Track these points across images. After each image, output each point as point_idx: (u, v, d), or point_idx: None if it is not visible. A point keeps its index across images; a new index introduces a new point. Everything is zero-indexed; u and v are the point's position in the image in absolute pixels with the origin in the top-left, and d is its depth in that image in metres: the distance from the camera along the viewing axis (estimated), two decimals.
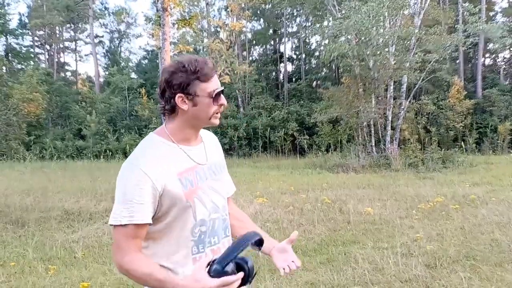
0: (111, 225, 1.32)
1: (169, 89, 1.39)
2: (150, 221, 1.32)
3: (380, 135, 15.86)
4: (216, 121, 1.45)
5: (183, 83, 1.36)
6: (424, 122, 19.34)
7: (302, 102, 23.94)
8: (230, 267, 1.18)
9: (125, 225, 1.29)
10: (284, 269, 1.53)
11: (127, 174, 1.33)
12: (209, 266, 1.19)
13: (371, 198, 7.94)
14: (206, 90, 1.39)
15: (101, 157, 20.65)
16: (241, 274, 1.19)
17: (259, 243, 1.27)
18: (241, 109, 23.93)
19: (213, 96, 1.40)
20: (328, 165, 14.38)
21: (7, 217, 6.77)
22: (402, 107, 16.18)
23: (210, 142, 1.58)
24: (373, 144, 15.65)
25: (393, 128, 15.80)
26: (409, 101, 17.19)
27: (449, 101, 19.98)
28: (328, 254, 4.65)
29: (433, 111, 19.67)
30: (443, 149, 15.04)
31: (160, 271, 1.29)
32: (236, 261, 1.19)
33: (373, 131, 15.80)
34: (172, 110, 1.41)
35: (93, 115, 24.23)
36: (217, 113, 1.44)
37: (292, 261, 1.55)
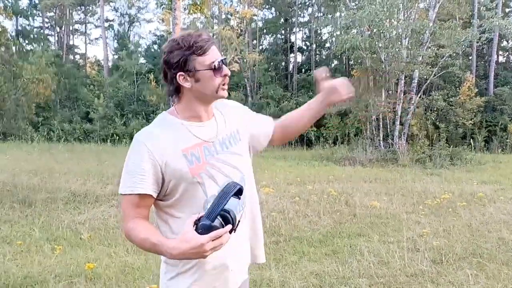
0: (120, 194, 1.37)
1: (169, 70, 1.37)
2: (151, 193, 1.34)
3: (389, 129, 15.75)
4: (224, 93, 1.42)
5: (180, 60, 1.34)
6: (433, 118, 19.13)
7: (311, 93, 23.77)
8: (217, 221, 1.18)
9: (129, 194, 1.33)
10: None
11: (132, 147, 1.38)
12: (196, 225, 1.19)
13: (378, 192, 7.89)
14: (205, 63, 1.36)
15: (108, 141, 20.74)
16: (229, 226, 1.19)
17: (239, 192, 1.27)
18: (249, 98, 23.85)
19: (213, 67, 1.36)
20: (335, 158, 14.33)
21: (14, 197, 6.82)
22: (412, 102, 16.02)
23: (224, 114, 1.52)
24: (381, 138, 15.55)
25: (401, 123, 15.67)
26: (419, 96, 17.01)
27: (459, 98, 19.73)
28: (334, 245, 4.63)
29: (443, 107, 19.44)
30: (451, 146, 14.89)
31: (155, 236, 1.29)
32: (221, 213, 1.19)
33: (381, 125, 15.68)
34: (177, 90, 1.40)
35: (101, 99, 24.27)
36: (223, 85, 1.40)
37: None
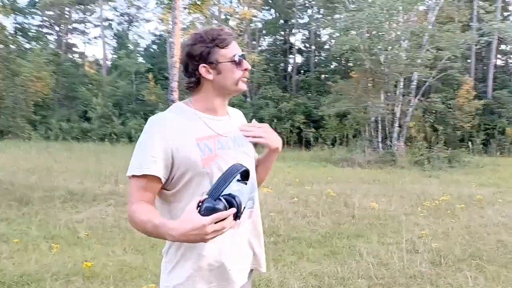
0: (127, 176, 1.35)
1: (191, 62, 1.39)
2: (159, 175, 1.31)
3: (387, 131, 15.75)
4: (244, 86, 1.44)
5: (203, 52, 1.37)
6: (431, 121, 19.16)
7: (310, 94, 23.84)
8: (221, 203, 1.14)
9: (137, 176, 1.31)
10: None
11: (145, 128, 1.36)
12: (199, 206, 1.15)
13: (376, 193, 7.89)
14: (227, 56, 1.39)
15: (106, 140, 20.68)
16: (233, 210, 1.15)
17: (246, 175, 1.24)
18: (248, 99, 23.84)
19: (235, 60, 1.39)
20: (334, 159, 14.33)
21: (12, 195, 6.78)
22: (411, 104, 16.03)
23: (237, 119, 1.56)
24: (380, 140, 15.56)
25: (400, 125, 15.68)
26: (418, 99, 17.03)
27: (458, 101, 19.77)
28: (332, 246, 4.61)
29: (442, 110, 19.48)
30: (449, 149, 14.91)
31: (157, 217, 1.26)
32: (224, 197, 1.15)
33: (380, 127, 15.69)
34: (198, 82, 1.41)
35: (99, 98, 24.21)
36: (243, 77, 1.43)
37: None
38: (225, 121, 1.47)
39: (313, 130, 20.65)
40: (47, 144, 17.91)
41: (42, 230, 4.99)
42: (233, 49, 1.40)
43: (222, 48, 1.38)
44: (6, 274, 3.60)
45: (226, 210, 1.14)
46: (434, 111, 19.42)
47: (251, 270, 1.56)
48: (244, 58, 1.42)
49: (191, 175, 1.34)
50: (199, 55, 1.37)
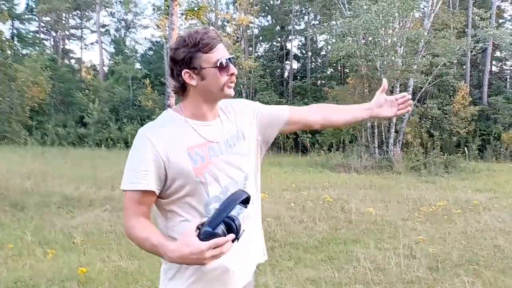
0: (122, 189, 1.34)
1: (175, 67, 1.36)
2: (154, 189, 1.30)
3: (384, 137, 15.79)
4: (230, 91, 1.39)
5: (185, 57, 1.33)
6: (427, 126, 19.22)
7: (306, 100, 23.83)
8: (220, 228, 1.15)
9: (131, 190, 1.30)
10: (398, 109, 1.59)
11: (135, 141, 1.35)
12: (198, 230, 1.16)
13: (373, 199, 7.89)
14: (211, 61, 1.33)
15: (102, 145, 20.61)
16: (231, 236, 1.15)
17: (246, 201, 1.25)
18: None
19: (219, 65, 1.34)
20: (330, 165, 14.33)
21: (7, 200, 6.74)
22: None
23: (228, 113, 1.48)
24: (376, 145, 15.59)
25: (396, 131, 15.73)
26: (414, 105, 17.10)
27: (453, 107, 19.86)
28: (329, 252, 4.60)
29: (437, 115, 19.56)
30: (445, 154, 14.95)
31: (155, 237, 1.26)
32: (224, 220, 1.16)
33: (376, 133, 15.73)
34: (183, 88, 1.38)
35: (96, 103, 24.16)
36: (230, 83, 1.38)
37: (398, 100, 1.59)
38: (216, 125, 1.42)
39: (309, 135, 20.64)
40: (43, 149, 17.83)
41: (37, 235, 4.96)
42: (218, 53, 1.34)
43: (206, 53, 1.32)
44: (0, 280, 3.57)
45: (225, 235, 1.14)
46: (430, 117, 19.50)
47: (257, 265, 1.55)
48: (231, 62, 1.36)
49: (185, 185, 1.32)
50: (182, 60, 1.33)
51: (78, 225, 5.44)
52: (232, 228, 1.16)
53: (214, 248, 1.13)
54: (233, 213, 1.18)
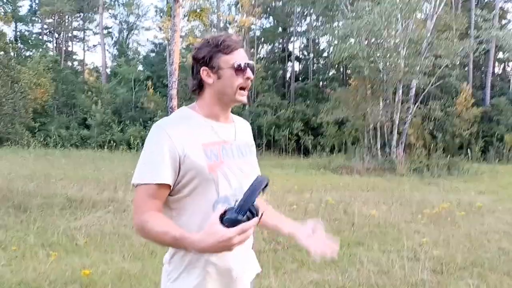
0: (133, 184, 1.33)
1: (195, 65, 1.42)
2: (169, 182, 1.31)
3: (386, 138, 15.77)
4: (242, 98, 1.42)
5: (206, 56, 1.38)
6: (430, 128, 19.20)
7: (308, 102, 23.85)
8: (242, 214, 1.17)
9: (146, 184, 1.30)
10: (319, 252, 1.42)
11: (151, 135, 1.35)
12: (221, 218, 1.17)
13: (376, 201, 7.86)
14: (229, 62, 1.38)
15: (105, 147, 20.63)
16: (256, 220, 1.17)
17: (266, 186, 1.26)
18: (247, 106, 23.84)
19: (236, 67, 1.38)
20: (332, 166, 14.30)
21: (10, 202, 6.73)
22: (410, 112, 16.07)
23: (242, 127, 1.55)
24: (379, 147, 15.56)
25: (399, 133, 15.70)
26: (417, 106, 17.07)
27: (456, 108, 19.83)
28: None
29: (440, 117, 19.53)
30: (448, 156, 14.92)
31: (176, 229, 1.25)
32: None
33: (379, 134, 15.71)
34: (200, 85, 1.42)
35: (98, 105, 24.21)
36: (242, 89, 1.41)
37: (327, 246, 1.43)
38: (229, 128, 1.46)
39: (311, 137, 20.65)
40: (46, 151, 17.88)
41: (40, 237, 4.95)
42: (237, 57, 1.39)
43: (226, 54, 1.38)
44: (3, 282, 3.56)
45: (248, 220, 1.16)
46: (433, 118, 19.47)
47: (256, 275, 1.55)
48: (250, 67, 1.40)
49: (198, 181, 1.33)
50: (202, 58, 1.38)
51: (81, 227, 5.43)
52: (253, 213, 1.18)
53: (240, 234, 1.15)
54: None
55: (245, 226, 1.15)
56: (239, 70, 1.38)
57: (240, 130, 1.51)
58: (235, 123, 1.51)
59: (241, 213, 1.16)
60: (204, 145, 1.35)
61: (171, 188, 1.33)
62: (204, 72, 1.39)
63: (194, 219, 1.33)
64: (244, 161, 1.45)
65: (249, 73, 1.40)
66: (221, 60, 1.37)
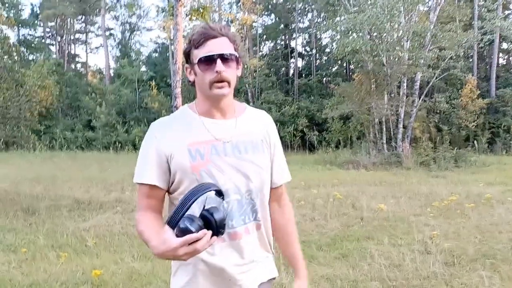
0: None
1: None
2: (157, 183, 1.33)
3: (392, 132, 15.69)
4: (218, 92, 1.31)
5: (185, 53, 1.36)
6: (436, 121, 19.08)
7: (312, 98, 23.78)
8: (195, 224, 1.10)
9: (140, 183, 1.35)
10: None
11: (145, 136, 1.39)
12: (176, 225, 1.12)
13: (384, 195, 7.83)
14: (198, 56, 1.31)
15: (110, 148, 20.70)
16: (203, 232, 1.10)
17: (220, 193, 1.23)
18: (251, 104, 23.83)
19: (197, 62, 1.30)
20: (338, 162, 14.26)
21: (18, 205, 6.77)
22: (415, 105, 15.97)
23: (250, 120, 1.44)
24: (384, 141, 15.49)
25: (404, 126, 15.62)
26: (422, 99, 16.97)
27: (461, 100, 19.67)
28: (343, 249, 4.55)
29: (446, 109, 19.39)
30: (455, 148, 14.82)
31: (148, 231, 1.25)
32: (202, 214, 1.13)
33: (384, 129, 15.63)
34: (191, 83, 1.40)
35: (103, 107, 24.27)
36: (216, 82, 1.30)
37: None
38: (227, 125, 1.38)
39: (316, 133, 20.59)
40: (52, 154, 17.96)
41: (50, 239, 4.97)
42: (204, 49, 1.29)
43: (196, 48, 1.31)
44: (15, 284, 3.58)
45: (201, 229, 1.10)
46: (438, 111, 19.34)
47: (270, 280, 1.50)
48: (222, 58, 1.28)
49: (183, 181, 1.32)
50: (185, 55, 1.37)
51: (90, 228, 5.44)
52: (211, 222, 1.12)
53: (189, 245, 1.09)
54: (211, 203, 1.16)
55: (190, 238, 1.08)
56: (205, 64, 1.29)
57: (245, 125, 1.41)
58: (240, 117, 1.41)
59: (171, 224, 1.10)
60: (190, 144, 1.32)
61: (168, 187, 1.35)
62: (187, 69, 1.37)
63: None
64: (242, 158, 1.36)
65: (218, 66, 1.28)
66: (193, 56, 1.32)
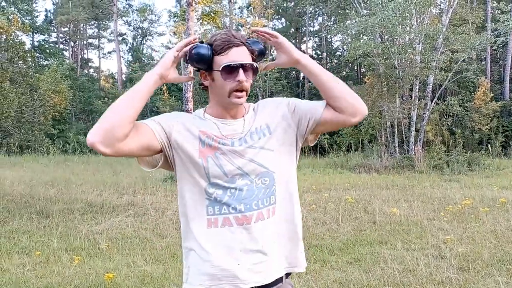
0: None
1: None
2: (152, 128, 1.35)
3: (404, 136, 15.55)
4: (236, 100, 1.33)
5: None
6: (448, 124, 18.86)
7: None
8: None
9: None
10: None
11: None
12: None
13: (396, 199, 7.75)
14: (219, 63, 1.31)
15: None
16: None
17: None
18: None
19: (221, 69, 1.31)
20: (350, 165, 14.16)
21: (32, 208, 6.85)
22: (427, 108, 15.82)
23: (257, 111, 1.45)
24: (396, 144, 15.35)
25: (417, 129, 15.46)
26: (434, 102, 16.79)
27: (474, 103, 19.43)
28: (355, 253, 4.51)
29: (458, 112, 19.17)
30: (468, 152, 14.62)
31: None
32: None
33: (396, 132, 15.50)
34: (204, 86, 1.42)
35: None
36: (236, 91, 1.32)
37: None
38: (236, 125, 1.40)
39: (327, 136, 20.50)
40: (65, 157, 18.16)
41: (63, 242, 5.02)
42: (228, 57, 1.30)
43: (217, 54, 1.32)
44: (30, 286, 3.62)
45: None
46: (451, 114, 19.12)
47: (287, 274, 1.48)
48: (244, 68, 1.30)
49: (188, 163, 1.36)
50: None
51: (103, 231, 5.48)
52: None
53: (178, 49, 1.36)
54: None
55: (181, 42, 1.38)
56: (228, 72, 1.30)
57: (251, 120, 1.42)
58: (247, 115, 1.43)
59: None
60: (202, 132, 1.37)
61: (171, 163, 1.40)
62: (202, 74, 1.37)
63: (192, 194, 1.37)
64: (251, 147, 1.37)
65: (240, 75, 1.30)
66: (214, 62, 1.32)
